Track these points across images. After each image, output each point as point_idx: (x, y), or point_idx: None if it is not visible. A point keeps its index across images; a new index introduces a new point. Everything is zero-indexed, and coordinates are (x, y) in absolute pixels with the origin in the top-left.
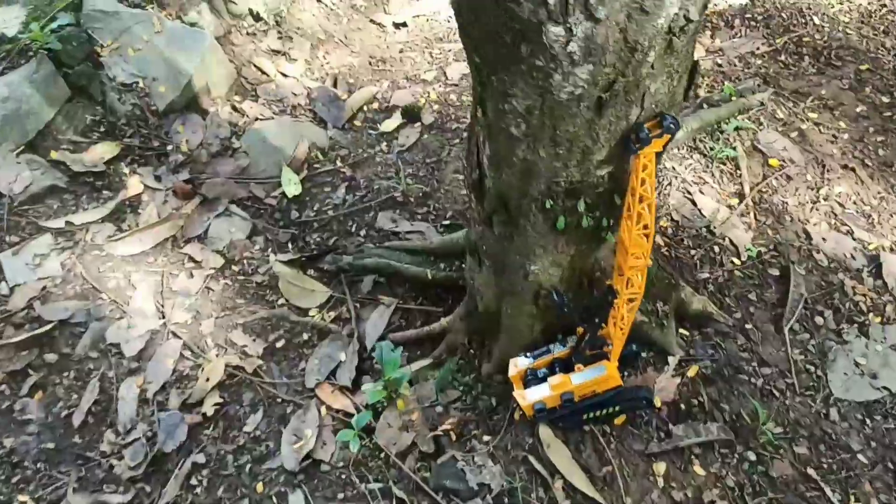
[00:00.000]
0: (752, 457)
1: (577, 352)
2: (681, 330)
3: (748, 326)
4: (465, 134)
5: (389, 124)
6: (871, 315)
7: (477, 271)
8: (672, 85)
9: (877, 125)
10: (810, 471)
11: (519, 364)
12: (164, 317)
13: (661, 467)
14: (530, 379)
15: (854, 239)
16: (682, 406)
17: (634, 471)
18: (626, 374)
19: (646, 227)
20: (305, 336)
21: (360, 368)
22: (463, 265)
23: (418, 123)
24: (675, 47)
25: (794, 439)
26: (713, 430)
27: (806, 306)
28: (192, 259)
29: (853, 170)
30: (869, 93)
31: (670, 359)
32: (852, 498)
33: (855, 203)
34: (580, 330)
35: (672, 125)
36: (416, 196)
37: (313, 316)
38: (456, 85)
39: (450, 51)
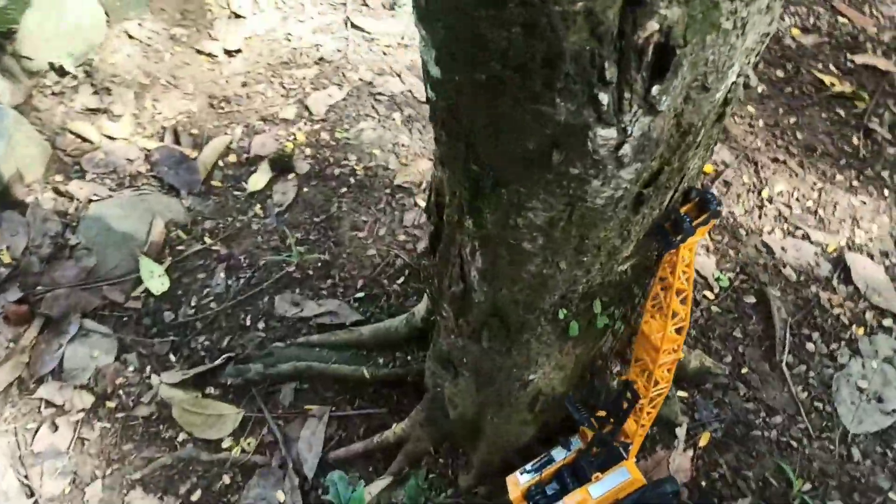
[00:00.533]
0: None
1: (588, 456)
2: (678, 392)
3: (744, 371)
4: (361, 188)
5: (257, 180)
6: (854, 327)
7: (449, 380)
8: (706, 157)
9: (783, 105)
10: None
11: (520, 481)
12: (32, 494)
13: None
14: (538, 499)
15: (812, 242)
16: (703, 483)
17: None
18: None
19: (681, 320)
20: (226, 478)
21: None
22: (404, 356)
23: (292, 174)
24: (724, 117)
25: (827, 493)
26: None
27: (792, 332)
28: (50, 404)
29: (784, 162)
30: (763, 69)
31: (678, 431)
32: None
33: (798, 200)
34: (586, 430)
35: (717, 206)
36: (314, 267)
37: (229, 449)
38: (324, 120)
39: (304, 77)
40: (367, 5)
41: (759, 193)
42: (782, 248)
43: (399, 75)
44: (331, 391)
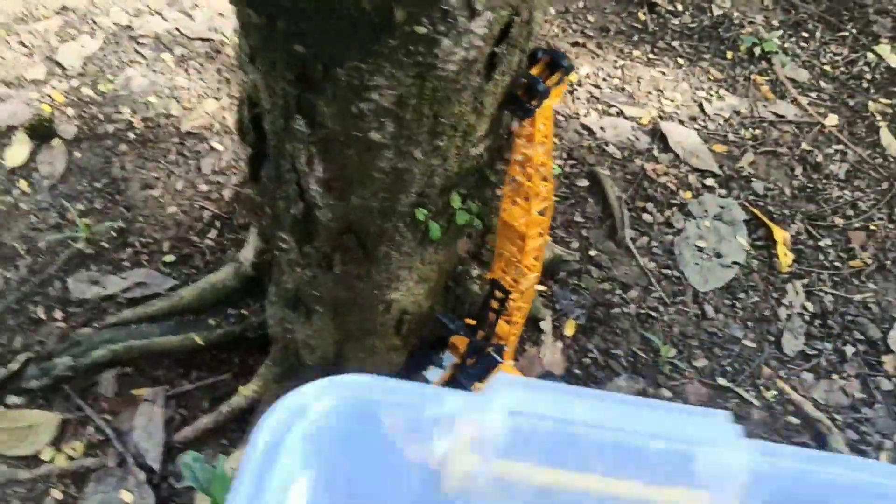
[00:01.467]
0: (668, 393)
1: (464, 369)
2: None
3: (592, 254)
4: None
5: (16, 154)
6: (681, 192)
7: (301, 322)
8: (546, 10)
9: None
10: (720, 380)
11: None
12: None
13: None
14: None
15: (626, 118)
16: (578, 371)
17: None
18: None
19: (544, 199)
20: (57, 493)
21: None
22: (238, 312)
23: (56, 141)
24: None
25: (691, 353)
26: (622, 385)
27: (628, 207)
28: None
29: (584, 45)
30: None
31: (543, 325)
32: (762, 388)
33: (605, 80)
34: (457, 340)
35: (568, 63)
36: (107, 238)
37: (50, 460)
38: (82, 74)
39: (46, 30)
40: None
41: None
42: (601, 129)
43: (160, 13)
44: (161, 369)
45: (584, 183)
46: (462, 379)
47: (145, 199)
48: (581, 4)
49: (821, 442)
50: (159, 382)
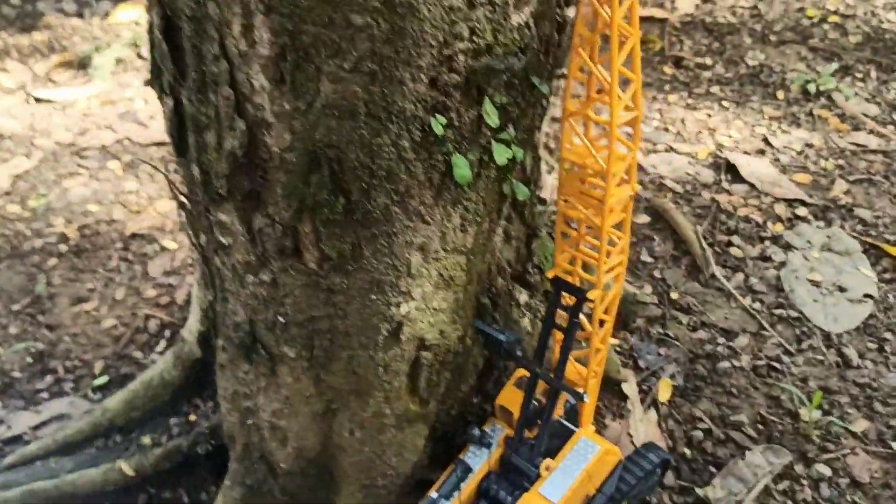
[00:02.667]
0: (826, 470)
1: (522, 442)
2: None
3: (674, 297)
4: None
5: None
6: (769, 224)
7: (264, 385)
8: None
9: None
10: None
11: None
12: None
13: None
14: None
15: (679, 154)
16: (688, 450)
17: None
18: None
19: (633, 108)
20: None
21: None
22: (184, 418)
23: None
24: None
25: (845, 415)
26: (758, 462)
27: (707, 242)
28: None
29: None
30: None
31: (626, 389)
32: None
33: (644, 122)
34: (508, 400)
35: None
36: (21, 366)
37: None
38: (8, 193)
39: None
40: (53, 81)
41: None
42: (652, 166)
43: (110, 127)
44: None
45: (645, 219)
46: (521, 457)
47: (75, 315)
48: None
49: None
50: None
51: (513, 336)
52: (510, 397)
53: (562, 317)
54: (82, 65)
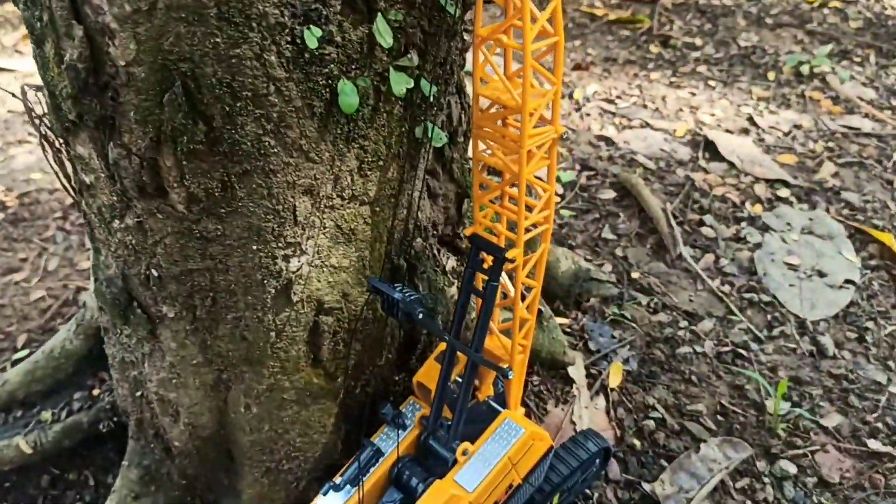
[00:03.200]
0: (791, 467)
1: (436, 421)
2: (555, 319)
3: (635, 276)
4: None
5: None
6: (747, 204)
7: (147, 351)
8: None
9: None
10: (871, 443)
11: None
12: None
13: None
14: None
15: (655, 129)
16: (637, 441)
17: None
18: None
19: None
20: None
21: None
22: (87, 392)
23: None
24: None
25: (816, 408)
26: (714, 455)
27: (677, 221)
28: None
29: (585, 68)
30: None
31: (572, 373)
32: None
33: (620, 98)
34: (426, 377)
35: None
36: None
37: None
38: None
39: None
40: (19, 52)
41: (571, 97)
42: (624, 142)
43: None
44: None
45: (610, 194)
46: (434, 440)
47: (4, 285)
48: (577, 43)
49: None
50: None
51: (413, 294)
52: (430, 373)
53: (483, 281)
54: None
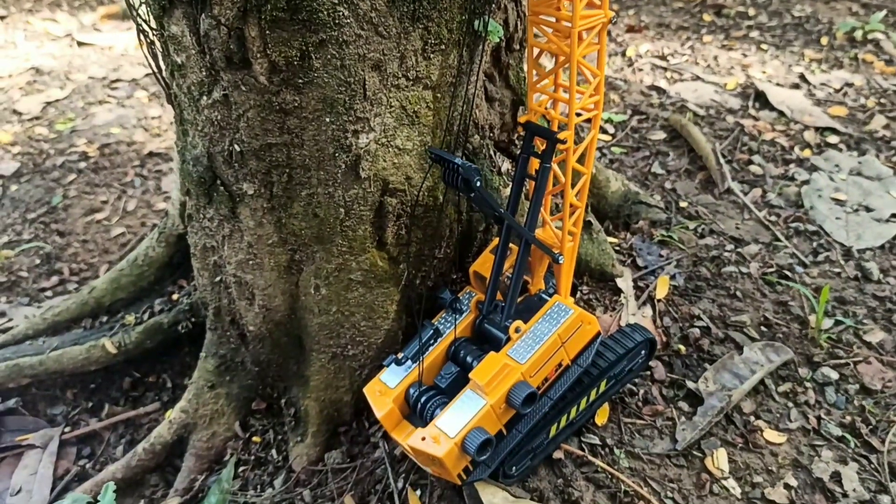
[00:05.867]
0: (833, 374)
1: (491, 303)
2: (607, 238)
3: (683, 205)
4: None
5: None
6: (797, 149)
7: (226, 229)
8: None
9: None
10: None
11: (390, 383)
12: None
13: (717, 458)
14: (429, 399)
15: (706, 83)
16: (682, 346)
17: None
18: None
19: None
20: None
21: None
22: (167, 296)
23: None
24: None
25: (860, 326)
26: (756, 357)
27: (726, 159)
28: None
29: (639, 31)
30: None
31: (621, 283)
32: None
33: (672, 56)
34: (481, 266)
35: None
36: (29, 267)
37: None
38: (38, 118)
39: (11, 87)
40: (97, 30)
41: (624, 55)
42: (675, 92)
43: (142, 64)
44: (60, 404)
45: (660, 135)
46: (490, 321)
47: (87, 224)
48: (631, 12)
49: None
50: (51, 420)
51: (472, 165)
52: (486, 264)
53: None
54: (126, 16)
